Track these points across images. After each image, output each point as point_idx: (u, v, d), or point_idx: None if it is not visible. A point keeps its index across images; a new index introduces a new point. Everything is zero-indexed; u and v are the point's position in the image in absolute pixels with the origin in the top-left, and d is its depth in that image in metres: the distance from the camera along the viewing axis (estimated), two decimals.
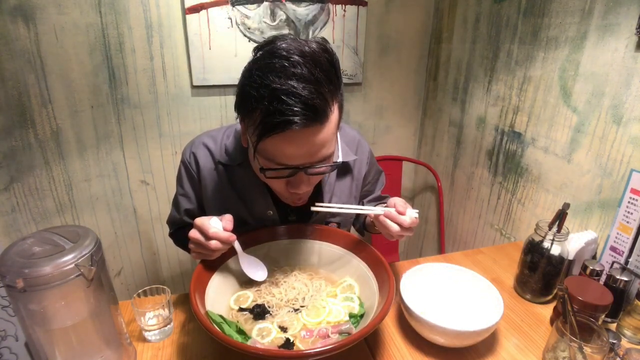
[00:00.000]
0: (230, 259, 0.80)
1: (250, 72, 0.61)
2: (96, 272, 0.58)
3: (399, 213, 0.73)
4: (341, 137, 0.89)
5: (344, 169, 0.90)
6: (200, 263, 0.74)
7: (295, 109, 0.57)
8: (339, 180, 0.90)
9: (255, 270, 0.79)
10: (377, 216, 0.75)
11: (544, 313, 0.87)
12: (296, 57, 0.58)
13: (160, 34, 1.35)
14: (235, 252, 0.78)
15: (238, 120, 0.70)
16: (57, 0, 1.17)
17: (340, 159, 0.74)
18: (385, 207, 0.76)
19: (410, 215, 0.74)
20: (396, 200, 0.77)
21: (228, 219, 0.71)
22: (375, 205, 0.88)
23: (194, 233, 0.70)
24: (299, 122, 0.58)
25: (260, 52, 0.62)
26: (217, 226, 0.70)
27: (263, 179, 0.74)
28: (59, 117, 1.25)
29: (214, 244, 0.68)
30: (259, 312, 0.72)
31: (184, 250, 0.92)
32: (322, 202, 0.86)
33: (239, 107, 0.66)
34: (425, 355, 0.74)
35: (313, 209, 0.75)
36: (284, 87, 0.57)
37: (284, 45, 0.60)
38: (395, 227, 0.73)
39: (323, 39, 0.65)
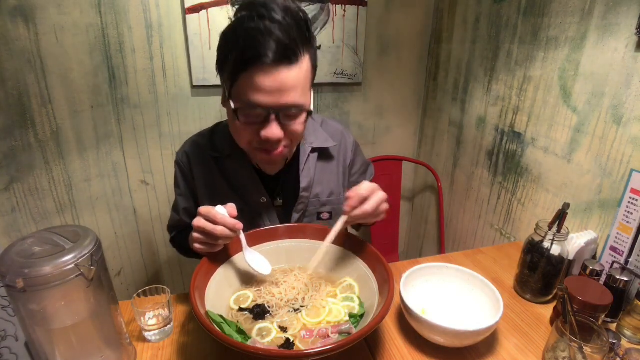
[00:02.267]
0: (231, 258, 0.80)
1: (230, 24, 0.69)
2: (96, 272, 0.58)
3: (349, 197, 0.72)
4: (324, 129, 0.94)
5: (325, 156, 0.93)
6: (201, 263, 0.74)
7: (268, 45, 0.64)
8: (321, 165, 0.92)
9: (260, 264, 0.78)
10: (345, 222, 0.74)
11: (544, 313, 0.87)
12: (270, 5, 0.65)
13: (160, 34, 1.35)
14: (236, 252, 0.78)
15: (221, 83, 0.75)
16: (57, 0, 1.17)
17: (312, 106, 0.76)
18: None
19: (364, 187, 0.72)
20: (351, 195, 0.73)
21: (232, 206, 0.72)
22: None
23: (198, 221, 0.70)
24: (270, 56, 0.64)
25: (240, 8, 0.69)
26: (223, 212, 0.70)
27: (237, 136, 0.76)
28: (59, 117, 1.25)
29: (220, 229, 0.68)
30: (259, 312, 0.72)
31: (187, 257, 0.93)
32: (300, 186, 0.89)
33: (218, 61, 0.72)
34: (425, 355, 0.74)
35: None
36: (259, 27, 0.64)
37: (258, 0, 0.66)
38: (367, 208, 0.71)
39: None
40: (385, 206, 0.75)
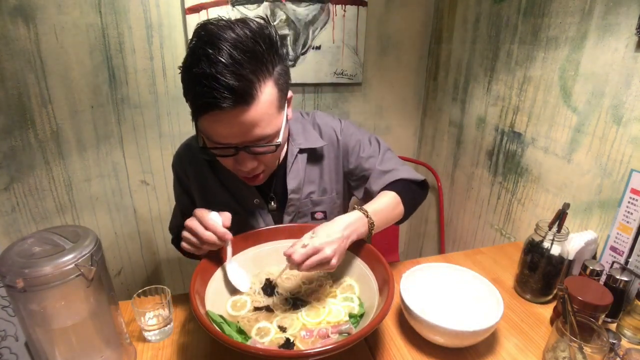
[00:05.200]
0: (230, 259, 0.80)
1: (183, 64, 0.66)
2: (96, 272, 0.58)
3: (292, 260, 0.67)
4: (313, 126, 0.91)
5: (314, 156, 0.90)
6: (200, 263, 0.74)
7: (216, 92, 0.60)
8: (311, 165, 0.90)
9: (240, 279, 0.78)
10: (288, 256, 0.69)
11: (544, 313, 0.87)
12: (217, 42, 0.60)
13: (160, 34, 1.35)
14: (235, 253, 0.77)
15: None
16: (57, 0, 1.17)
17: (280, 137, 0.72)
18: None
19: (304, 248, 0.67)
20: (296, 248, 0.69)
21: (227, 217, 0.72)
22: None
23: (191, 221, 0.70)
24: (222, 105, 0.61)
25: (194, 38, 0.65)
26: (216, 220, 0.71)
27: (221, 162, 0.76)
28: (59, 117, 1.25)
29: (207, 235, 0.69)
30: (267, 286, 0.76)
31: (189, 258, 0.93)
32: (287, 187, 0.88)
33: (183, 90, 0.69)
34: (425, 355, 0.74)
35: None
36: (206, 72, 0.60)
37: (206, 31, 0.63)
38: (296, 255, 0.67)
39: (263, 19, 0.68)
40: (319, 257, 0.68)
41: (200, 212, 0.71)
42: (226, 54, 0.60)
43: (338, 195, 0.95)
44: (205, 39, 0.62)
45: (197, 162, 0.89)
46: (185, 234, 0.72)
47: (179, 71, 0.67)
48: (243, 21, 0.64)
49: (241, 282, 0.77)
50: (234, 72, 0.60)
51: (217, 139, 0.68)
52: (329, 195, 0.93)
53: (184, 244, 0.73)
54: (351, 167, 0.92)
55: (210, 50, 0.60)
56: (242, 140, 0.68)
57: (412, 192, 0.89)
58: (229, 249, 0.76)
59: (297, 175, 0.89)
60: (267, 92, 0.66)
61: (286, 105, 0.74)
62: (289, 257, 0.68)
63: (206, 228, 0.69)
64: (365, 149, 0.92)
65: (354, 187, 0.95)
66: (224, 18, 0.65)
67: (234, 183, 0.87)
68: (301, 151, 0.88)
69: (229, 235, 0.72)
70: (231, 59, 0.60)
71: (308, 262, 0.67)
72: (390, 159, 0.93)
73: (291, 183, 0.88)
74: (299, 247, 0.68)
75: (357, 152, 0.91)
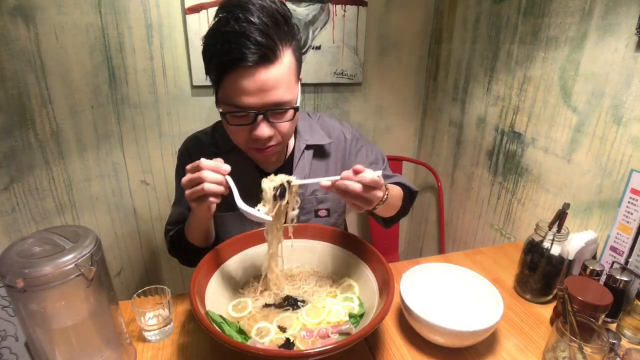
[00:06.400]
0: (231, 258, 0.80)
1: (210, 27, 0.70)
2: (96, 272, 0.58)
3: (356, 172, 0.66)
4: (320, 126, 0.94)
5: (320, 153, 0.93)
6: (201, 263, 0.74)
7: (244, 47, 0.65)
8: (317, 162, 0.92)
9: (256, 211, 0.71)
10: (334, 182, 0.67)
11: (544, 313, 0.87)
12: (246, 5, 0.66)
13: (160, 34, 1.35)
14: (235, 253, 0.78)
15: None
16: (57, 0, 1.17)
17: (298, 102, 0.76)
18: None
19: (371, 172, 0.66)
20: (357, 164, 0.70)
21: (218, 159, 0.69)
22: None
23: (186, 176, 0.67)
24: (248, 59, 0.65)
25: (218, 11, 0.69)
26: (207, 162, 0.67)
27: (231, 136, 0.78)
28: (59, 117, 1.25)
29: (205, 174, 0.65)
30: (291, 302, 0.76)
31: (189, 266, 0.91)
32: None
33: (205, 65, 0.73)
34: (425, 355, 0.74)
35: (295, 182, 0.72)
36: (235, 30, 0.65)
37: (234, 1, 0.67)
38: (355, 186, 0.65)
39: None
40: (374, 196, 0.68)
41: (190, 165, 0.68)
42: (255, 16, 0.65)
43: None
44: (235, 3, 0.66)
45: (205, 155, 0.85)
46: (187, 193, 0.68)
47: (201, 41, 0.72)
48: None
49: (259, 213, 0.70)
50: (261, 30, 0.65)
51: (239, 100, 0.69)
52: (333, 194, 0.93)
53: (193, 205, 0.69)
54: None
55: (240, 13, 0.65)
56: (263, 101, 0.70)
57: (408, 198, 0.97)
58: (232, 183, 0.70)
59: (303, 171, 0.90)
60: (288, 57, 0.71)
61: (299, 82, 0.77)
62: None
63: (200, 169, 0.66)
64: (369, 155, 0.98)
65: None
66: None
67: (240, 178, 0.85)
68: (307, 147, 0.91)
69: (225, 166, 0.68)
70: (259, 20, 0.65)
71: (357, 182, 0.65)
72: (389, 169, 1.02)
73: (302, 187, 0.88)
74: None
75: (363, 154, 0.97)
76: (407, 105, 1.80)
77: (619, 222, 0.88)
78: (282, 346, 0.65)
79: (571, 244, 0.93)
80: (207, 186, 0.66)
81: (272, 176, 0.72)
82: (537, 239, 0.89)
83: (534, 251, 0.89)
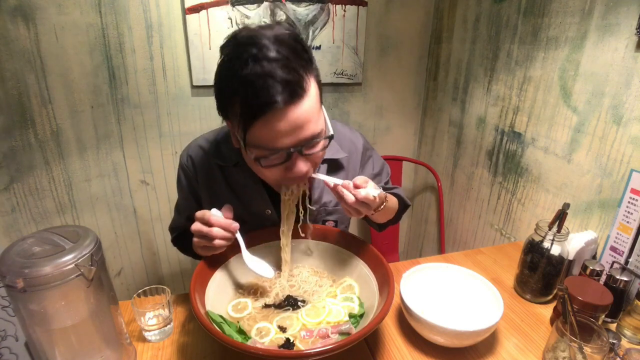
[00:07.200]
0: (231, 258, 0.80)
1: (221, 69, 0.63)
2: (96, 272, 0.58)
3: (356, 187, 0.70)
4: (335, 138, 0.89)
5: (335, 167, 0.90)
6: (201, 263, 0.74)
7: (273, 88, 0.58)
8: (330, 175, 0.88)
9: (260, 266, 0.77)
10: (335, 186, 0.71)
11: (544, 313, 0.87)
12: (263, 42, 0.59)
13: (160, 34, 1.35)
14: (236, 252, 0.77)
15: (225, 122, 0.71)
16: (57, 0, 1.18)
17: (330, 130, 0.72)
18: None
19: (368, 191, 0.69)
20: (361, 176, 0.73)
21: (227, 208, 0.73)
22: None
23: (196, 225, 0.70)
24: (279, 100, 0.59)
25: (226, 49, 0.63)
26: (217, 214, 0.71)
27: (260, 174, 0.73)
28: (59, 117, 1.25)
29: (215, 231, 0.69)
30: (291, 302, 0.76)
31: (189, 256, 0.92)
32: (312, 199, 0.86)
33: (220, 107, 0.67)
34: (425, 355, 0.74)
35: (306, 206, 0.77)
36: (257, 72, 0.58)
37: (246, 34, 0.61)
38: (349, 197, 0.69)
39: (285, 21, 0.66)
40: (365, 210, 0.71)
41: (201, 213, 0.71)
42: (274, 50, 0.59)
43: None
44: (246, 42, 0.60)
45: (210, 167, 0.85)
46: (195, 239, 0.72)
47: (214, 85, 0.66)
48: (269, 25, 0.64)
49: (263, 269, 0.77)
50: (285, 65, 0.59)
51: (273, 144, 0.64)
52: None
53: (199, 251, 0.73)
54: None
55: (256, 50, 0.59)
56: (296, 139, 0.65)
57: (402, 209, 0.99)
58: (240, 239, 0.75)
59: (319, 184, 0.88)
60: (313, 86, 0.65)
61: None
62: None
63: (211, 225, 0.69)
64: (375, 166, 0.98)
65: None
66: (242, 27, 0.65)
67: (245, 192, 0.85)
68: (323, 162, 0.87)
69: (235, 224, 0.71)
70: (279, 54, 0.59)
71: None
72: (390, 181, 1.02)
73: (315, 192, 0.87)
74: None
75: (370, 166, 0.97)
76: (407, 105, 1.80)
77: (619, 222, 0.88)
78: (282, 346, 0.65)
79: (571, 244, 0.93)
80: (217, 242, 0.70)
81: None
82: (537, 239, 0.89)
83: (534, 251, 0.89)
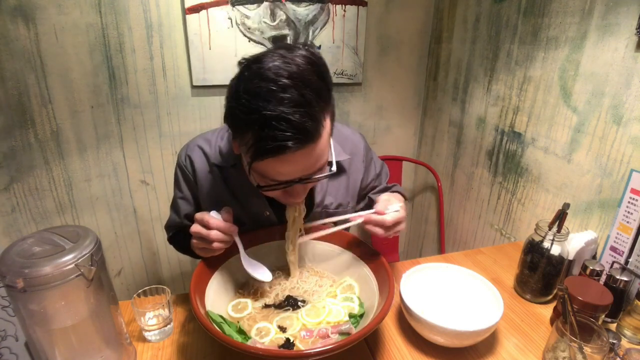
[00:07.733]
0: (231, 258, 0.80)
1: (238, 93, 0.59)
2: (96, 272, 0.58)
3: (378, 214, 0.72)
4: (334, 137, 0.88)
5: (337, 168, 0.88)
6: (201, 263, 0.74)
7: (288, 134, 0.56)
8: (332, 180, 0.89)
9: (259, 270, 0.78)
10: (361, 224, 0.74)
11: (544, 313, 0.87)
12: (284, 81, 0.56)
13: (160, 34, 1.35)
14: (236, 252, 0.78)
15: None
16: (57, 0, 1.18)
17: (334, 166, 0.72)
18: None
19: (392, 214, 0.72)
20: (379, 200, 0.76)
21: (227, 210, 0.73)
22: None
23: (195, 227, 0.70)
24: (292, 147, 0.57)
25: (247, 72, 0.60)
26: (216, 217, 0.71)
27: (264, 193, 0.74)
28: (59, 117, 1.25)
29: (214, 234, 0.69)
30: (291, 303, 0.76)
31: (186, 255, 0.92)
32: (315, 201, 0.87)
33: (230, 125, 0.65)
34: (425, 355, 0.74)
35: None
36: (275, 113, 0.55)
37: (270, 65, 0.57)
38: (379, 231, 0.72)
39: (309, 47, 0.62)
40: (397, 229, 0.75)
41: (200, 215, 0.71)
42: (295, 92, 0.56)
43: (351, 209, 0.95)
44: (268, 77, 0.56)
45: (208, 167, 0.85)
46: (194, 241, 0.72)
47: (226, 102, 0.62)
48: (296, 48, 0.60)
49: (261, 272, 0.78)
50: (306, 112, 0.57)
51: (278, 177, 0.64)
52: (344, 208, 0.93)
53: (198, 252, 0.74)
54: (368, 182, 0.97)
55: (275, 88, 0.55)
56: (302, 174, 0.65)
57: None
58: (239, 241, 0.75)
59: (322, 188, 0.88)
60: (327, 125, 0.64)
61: None
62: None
63: (210, 227, 0.69)
64: (376, 167, 0.99)
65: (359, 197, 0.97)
66: (270, 49, 0.61)
67: (245, 194, 0.85)
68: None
69: (233, 227, 0.72)
70: (302, 98, 0.56)
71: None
72: (388, 177, 1.04)
73: (317, 196, 0.87)
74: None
75: (372, 169, 0.97)
76: (407, 105, 1.80)
77: (619, 222, 0.88)
78: (282, 346, 0.65)
79: (571, 244, 0.93)
80: (215, 245, 0.70)
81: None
82: (537, 239, 0.89)
83: (534, 251, 0.89)
